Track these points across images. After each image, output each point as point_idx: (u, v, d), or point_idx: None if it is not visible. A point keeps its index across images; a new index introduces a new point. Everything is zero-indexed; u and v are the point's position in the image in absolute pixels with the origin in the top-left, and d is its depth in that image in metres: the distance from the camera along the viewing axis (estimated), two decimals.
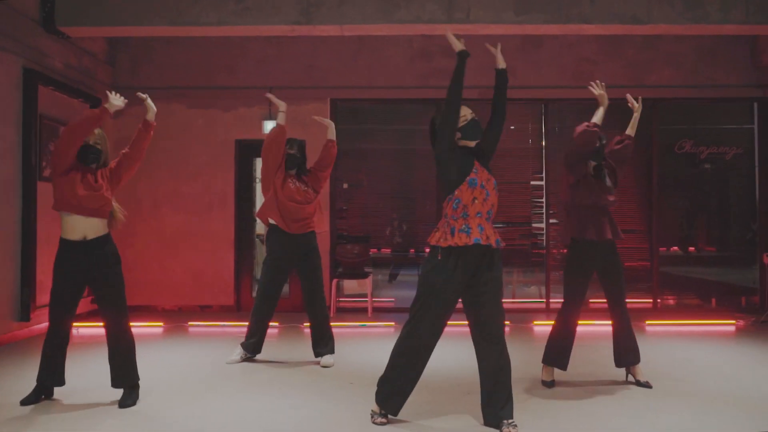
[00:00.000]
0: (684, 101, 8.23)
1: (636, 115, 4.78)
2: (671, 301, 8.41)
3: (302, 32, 6.79)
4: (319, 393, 4.39)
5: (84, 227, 4.01)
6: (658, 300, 8.12)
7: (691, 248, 8.65)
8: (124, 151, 4.27)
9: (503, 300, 3.66)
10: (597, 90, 4.54)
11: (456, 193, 3.55)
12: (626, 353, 4.55)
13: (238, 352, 5.36)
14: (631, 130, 4.76)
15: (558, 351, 4.55)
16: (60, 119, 7.00)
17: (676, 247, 8.60)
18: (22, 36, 6.32)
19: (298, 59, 8.22)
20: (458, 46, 3.79)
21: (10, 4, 6.13)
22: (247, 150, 8.26)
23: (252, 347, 5.36)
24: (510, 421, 3.54)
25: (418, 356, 3.63)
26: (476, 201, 3.53)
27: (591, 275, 4.53)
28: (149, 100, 4.37)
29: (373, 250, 8.57)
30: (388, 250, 8.80)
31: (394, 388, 3.68)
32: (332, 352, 5.34)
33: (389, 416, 3.73)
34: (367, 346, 6.07)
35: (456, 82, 3.71)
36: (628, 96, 4.85)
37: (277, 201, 5.24)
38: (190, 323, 7.20)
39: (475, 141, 3.73)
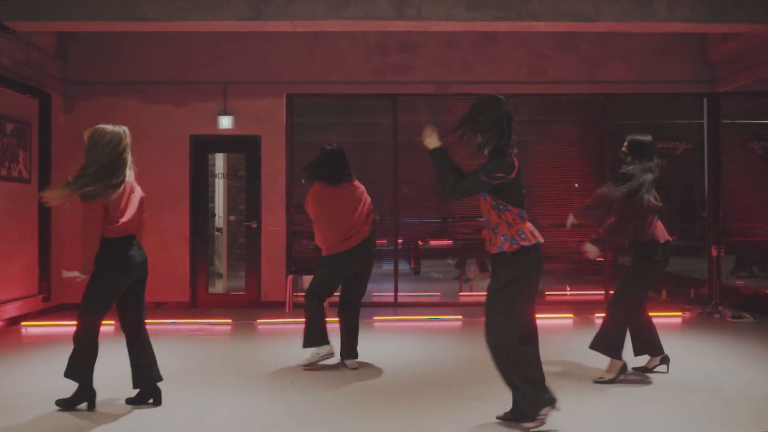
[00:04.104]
0: (636, 96, 8.35)
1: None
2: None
3: (254, 28, 6.73)
4: (243, 391, 4.42)
5: None
6: (610, 292, 8.24)
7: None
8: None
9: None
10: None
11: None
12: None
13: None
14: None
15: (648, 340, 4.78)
16: (8, 115, 6.87)
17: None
18: None
19: (253, 54, 8.16)
20: (432, 143, 3.72)
21: None
22: (202, 145, 8.19)
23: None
24: None
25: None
26: None
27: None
28: None
29: None
30: None
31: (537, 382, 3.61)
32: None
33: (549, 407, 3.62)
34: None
35: (441, 176, 3.72)
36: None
37: None
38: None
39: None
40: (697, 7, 6.43)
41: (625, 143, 4.80)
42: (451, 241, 9.05)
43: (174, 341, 6.11)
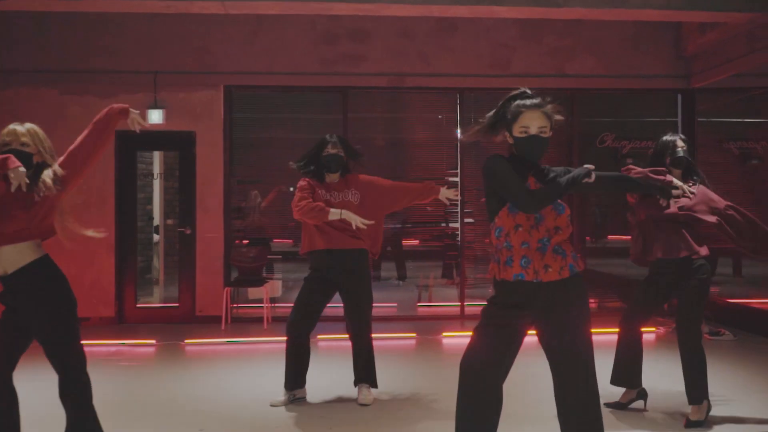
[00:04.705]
0: (606, 92, 7.74)
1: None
2: (592, 305, 7.95)
3: (179, 9, 5.95)
4: None
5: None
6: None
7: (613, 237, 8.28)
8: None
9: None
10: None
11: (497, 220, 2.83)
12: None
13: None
14: None
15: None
16: None
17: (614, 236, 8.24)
18: None
19: (187, 41, 7.34)
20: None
21: None
22: (130, 142, 7.34)
23: None
24: None
25: None
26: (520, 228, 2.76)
27: None
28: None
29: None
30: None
31: None
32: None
33: None
34: (257, 367, 5.32)
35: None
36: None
37: None
38: None
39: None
40: None
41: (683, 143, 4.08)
42: (418, 241, 8.33)
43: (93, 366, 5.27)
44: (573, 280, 2.75)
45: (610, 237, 8.56)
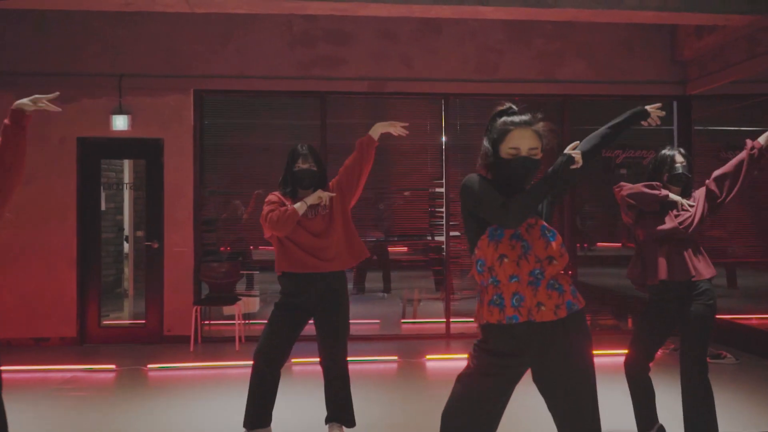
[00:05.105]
0: (598, 98, 7.37)
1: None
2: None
3: (140, 7, 5.52)
4: None
5: None
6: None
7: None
8: None
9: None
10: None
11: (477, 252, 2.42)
12: None
13: None
14: None
15: None
16: None
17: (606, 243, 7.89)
18: None
19: (154, 42, 6.89)
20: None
21: None
22: (92, 150, 6.89)
23: None
24: None
25: None
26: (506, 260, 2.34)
27: None
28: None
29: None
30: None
31: None
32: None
33: None
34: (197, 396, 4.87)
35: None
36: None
37: None
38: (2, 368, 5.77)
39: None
40: None
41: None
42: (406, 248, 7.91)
43: (30, 398, 4.81)
44: (572, 318, 2.35)
45: (598, 244, 8.22)
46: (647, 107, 2.73)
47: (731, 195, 3.65)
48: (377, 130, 3.99)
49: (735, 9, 5.60)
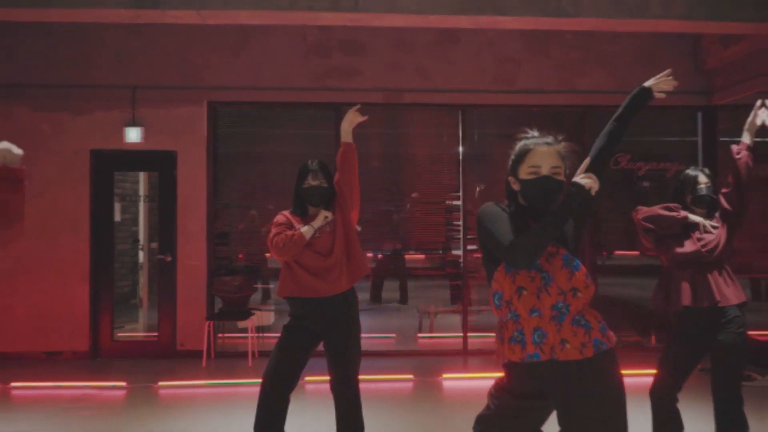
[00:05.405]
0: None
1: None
2: None
3: (151, 19, 5.42)
4: None
5: None
6: None
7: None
8: None
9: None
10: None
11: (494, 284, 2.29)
12: None
13: None
14: None
15: None
16: None
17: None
18: None
19: (167, 53, 6.83)
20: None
21: None
22: (106, 162, 6.84)
23: None
24: None
25: None
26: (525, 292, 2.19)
27: None
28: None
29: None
30: None
31: None
32: None
33: None
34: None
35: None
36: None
37: None
38: (13, 384, 5.70)
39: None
40: (696, 1, 5.29)
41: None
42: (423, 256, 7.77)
43: (41, 415, 4.73)
44: (600, 359, 2.18)
45: (617, 252, 8.01)
46: (649, 83, 2.58)
47: (743, 203, 3.50)
48: (347, 131, 3.87)
49: (765, 17, 5.40)
